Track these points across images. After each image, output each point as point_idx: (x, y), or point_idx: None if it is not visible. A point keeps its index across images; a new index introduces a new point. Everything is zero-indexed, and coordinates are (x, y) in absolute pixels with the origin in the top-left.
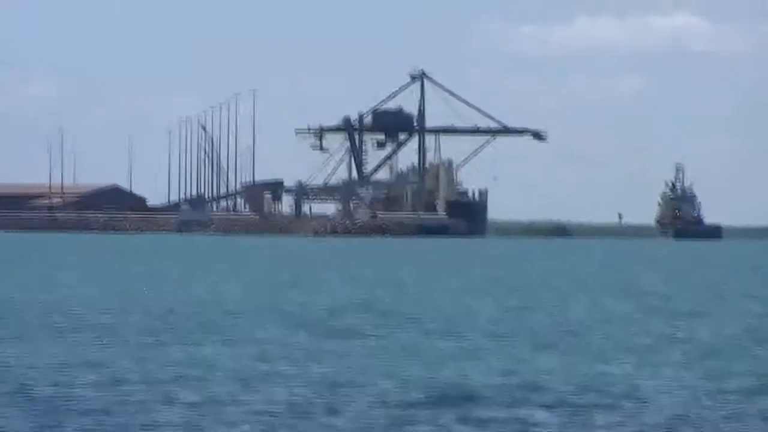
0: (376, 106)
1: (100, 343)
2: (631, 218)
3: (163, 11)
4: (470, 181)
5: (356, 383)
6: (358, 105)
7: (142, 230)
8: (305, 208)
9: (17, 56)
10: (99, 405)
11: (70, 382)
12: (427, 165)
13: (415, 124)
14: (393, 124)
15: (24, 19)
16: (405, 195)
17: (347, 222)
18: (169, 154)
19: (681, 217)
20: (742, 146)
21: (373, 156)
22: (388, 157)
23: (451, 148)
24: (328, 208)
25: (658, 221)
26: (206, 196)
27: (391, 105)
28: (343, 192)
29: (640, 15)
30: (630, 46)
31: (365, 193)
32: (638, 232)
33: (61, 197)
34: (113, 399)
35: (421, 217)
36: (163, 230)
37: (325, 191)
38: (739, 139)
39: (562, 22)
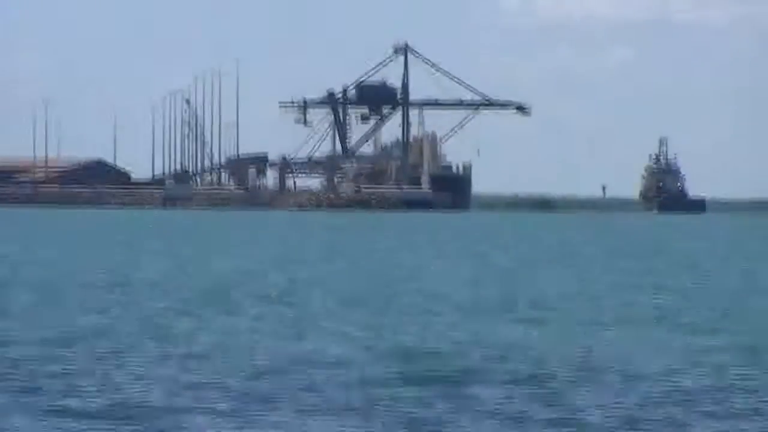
0: (359, 79)
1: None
2: (615, 191)
3: None
4: (454, 155)
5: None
6: (342, 78)
7: (126, 205)
8: (289, 182)
9: (1, 29)
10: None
11: None
12: (411, 139)
13: (398, 97)
14: (377, 98)
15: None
16: (389, 169)
17: (331, 196)
18: (153, 129)
19: (665, 190)
20: (726, 119)
21: (357, 130)
22: (372, 131)
23: (435, 122)
24: (313, 182)
25: (642, 194)
26: (190, 171)
27: (375, 78)
28: (327, 166)
29: None
30: (614, 17)
31: (349, 167)
32: (622, 205)
33: (44, 172)
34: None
35: (405, 191)
36: (148, 205)
37: (309, 165)
38: (723, 112)
39: None
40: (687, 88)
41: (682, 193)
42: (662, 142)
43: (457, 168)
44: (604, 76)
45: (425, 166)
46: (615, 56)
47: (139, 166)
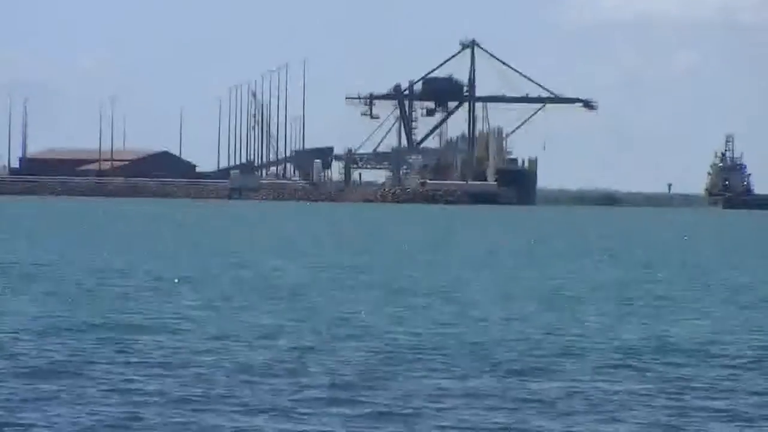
0: (426, 74)
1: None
2: (681, 188)
3: None
4: (520, 150)
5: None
6: (409, 73)
7: (192, 196)
8: (355, 175)
9: (72, 25)
10: None
11: None
12: (476, 133)
13: (465, 92)
14: (443, 92)
15: None
16: (455, 163)
17: (397, 189)
18: (219, 121)
19: (730, 188)
20: None
21: (422, 124)
22: (438, 125)
23: (501, 117)
24: (378, 175)
25: (707, 191)
26: (256, 163)
27: (442, 73)
28: (392, 159)
29: None
30: (682, 17)
31: (415, 160)
32: (687, 201)
33: (110, 163)
34: None
35: (471, 185)
36: (213, 196)
37: (375, 158)
38: None
39: None
40: (754, 87)
41: (747, 190)
42: (728, 139)
43: (523, 163)
44: (670, 74)
45: (491, 161)
46: (681, 55)
47: (204, 158)
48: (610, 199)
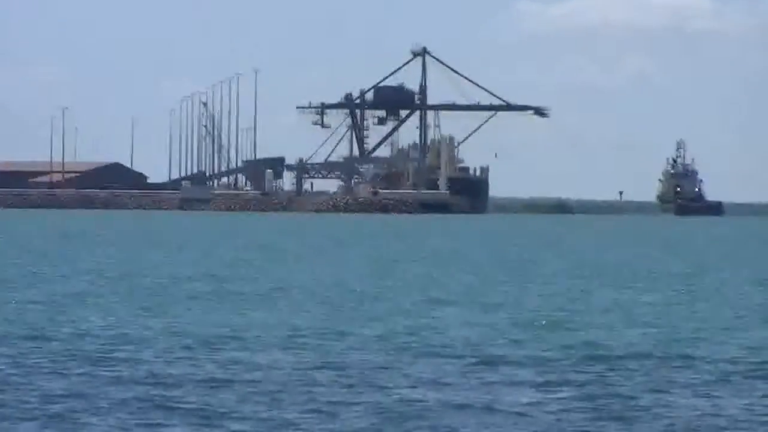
0: (377, 82)
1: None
2: (633, 195)
3: None
4: (472, 158)
5: None
6: (360, 82)
7: (143, 207)
8: (306, 185)
9: (23, 38)
10: None
11: None
12: (428, 142)
13: (416, 100)
14: (394, 101)
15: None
16: (406, 172)
17: (348, 199)
18: (170, 132)
19: (682, 194)
20: (743, 123)
21: (374, 133)
22: (389, 134)
23: (453, 125)
24: (330, 184)
25: (659, 198)
26: (207, 174)
27: (393, 82)
28: (344, 169)
29: None
30: (632, 24)
31: (366, 169)
32: (639, 208)
33: (62, 175)
34: None
35: (422, 193)
36: (165, 207)
37: (326, 168)
38: (740, 116)
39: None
40: (704, 93)
41: (699, 196)
42: (680, 145)
43: (474, 171)
44: (621, 81)
45: (442, 169)
46: (632, 62)
47: (156, 170)
48: (561, 207)
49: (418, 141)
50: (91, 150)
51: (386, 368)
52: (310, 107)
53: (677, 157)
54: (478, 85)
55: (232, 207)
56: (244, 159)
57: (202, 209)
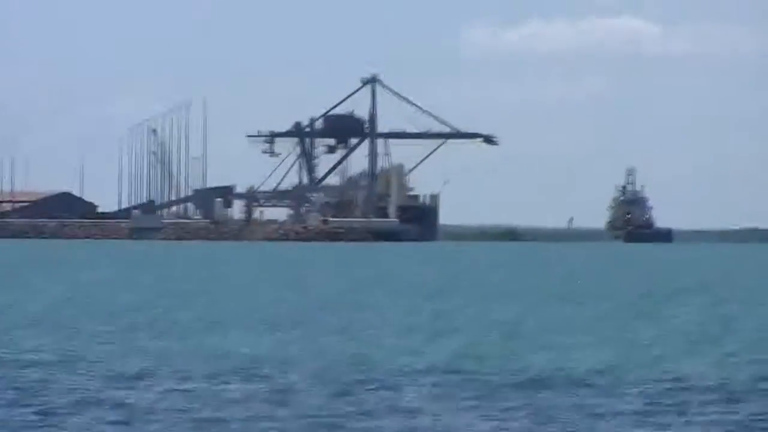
0: (327, 110)
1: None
2: (582, 222)
3: (115, 19)
4: (421, 186)
5: None
6: (310, 110)
7: (93, 236)
8: (256, 213)
9: None
10: None
11: None
12: (378, 170)
13: (366, 128)
14: (344, 129)
15: None
16: (356, 200)
17: (298, 227)
18: (120, 161)
19: (631, 221)
20: (693, 151)
21: (324, 161)
22: (339, 162)
23: (403, 153)
24: (280, 213)
25: (609, 224)
26: (157, 202)
27: (342, 110)
28: (294, 197)
29: (593, 17)
30: (583, 49)
31: (316, 198)
32: (589, 235)
33: (10, 204)
34: None
35: (373, 221)
36: (115, 237)
37: (276, 196)
38: (690, 144)
39: (514, 24)
40: (655, 120)
41: (648, 223)
42: (630, 172)
43: (424, 199)
44: (571, 108)
45: (392, 197)
46: (582, 89)
47: (105, 198)
48: (511, 234)
49: (368, 169)
50: (41, 179)
51: None
52: (259, 135)
53: (627, 184)
54: (427, 113)
55: (183, 236)
56: (194, 188)
57: (153, 238)
